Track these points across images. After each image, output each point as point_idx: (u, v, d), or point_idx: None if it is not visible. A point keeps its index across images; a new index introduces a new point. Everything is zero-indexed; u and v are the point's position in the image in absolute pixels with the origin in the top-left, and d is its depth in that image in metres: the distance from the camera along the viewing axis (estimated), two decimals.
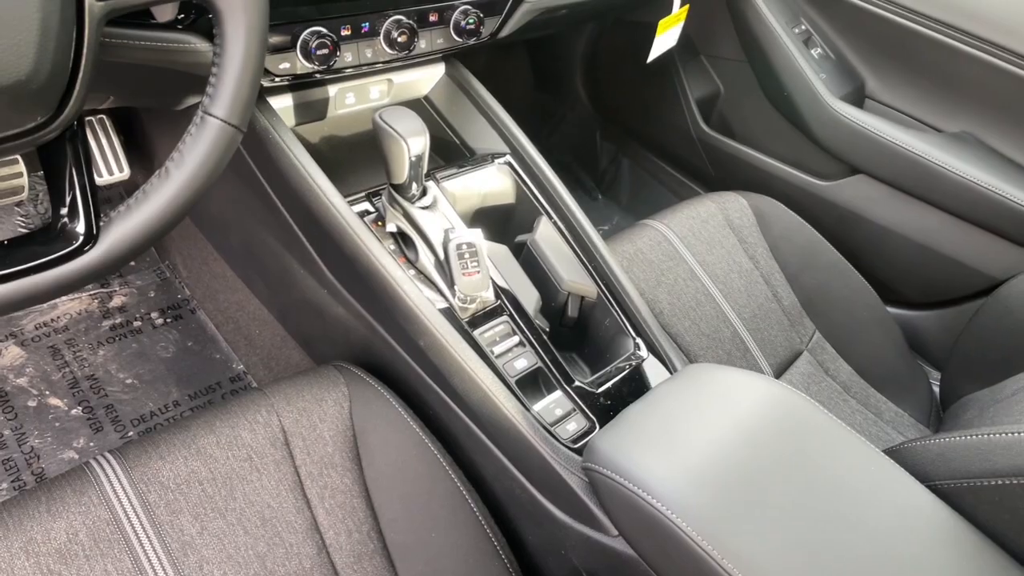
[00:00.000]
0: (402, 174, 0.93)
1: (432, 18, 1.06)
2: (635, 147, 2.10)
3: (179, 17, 0.82)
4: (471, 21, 1.09)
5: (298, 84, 1.07)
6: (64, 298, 1.47)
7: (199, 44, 0.86)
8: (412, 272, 0.98)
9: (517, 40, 1.80)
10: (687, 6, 1.70)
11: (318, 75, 1.00)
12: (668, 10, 1.66)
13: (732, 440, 0.83)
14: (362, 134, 1.20)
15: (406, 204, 0.96)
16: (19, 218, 1.50)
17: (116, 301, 1.50)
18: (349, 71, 1.04)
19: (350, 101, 1.14)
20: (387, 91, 1.19)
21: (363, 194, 1.04)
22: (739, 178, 1.88)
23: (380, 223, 1.01)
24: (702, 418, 0.87)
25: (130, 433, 1.29)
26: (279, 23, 0.91)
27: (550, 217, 1.14)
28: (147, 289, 1.54)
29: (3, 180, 1.35)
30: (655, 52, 1.71)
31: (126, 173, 1.51)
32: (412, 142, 0.90)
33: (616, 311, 1.10)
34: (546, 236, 1.10)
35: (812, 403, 0.91)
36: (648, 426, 0.86)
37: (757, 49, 1.73)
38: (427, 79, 1.24)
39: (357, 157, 1.14)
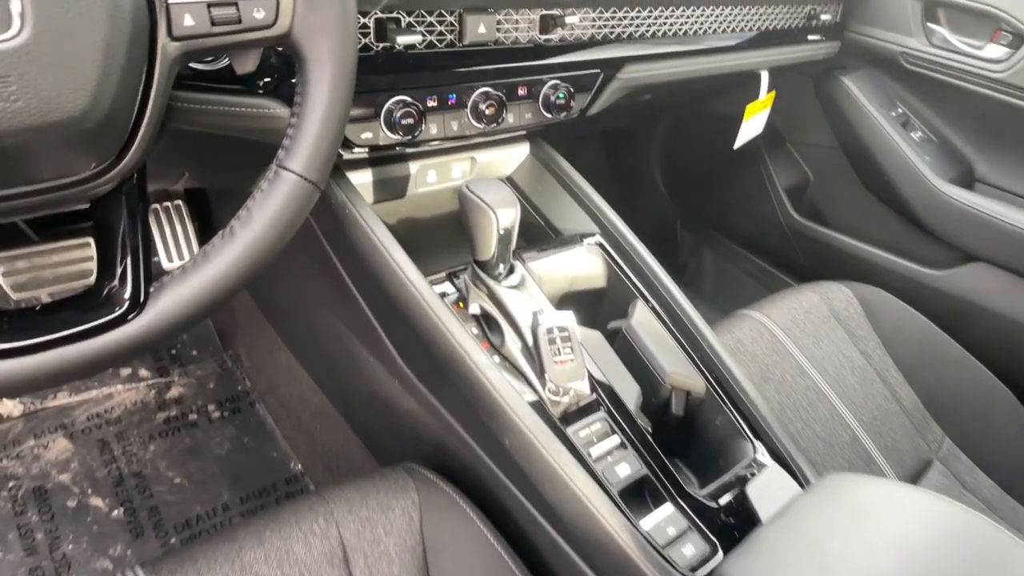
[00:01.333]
0: (489, 249, 0.84)
1: (521, 92, 1.01)
2: (718, 237, 1.99)
3: (263, 82, 0.78)
4: (561, 96, 1.03)
5: (378, 159, 1.02)
6: (120, 387, 1.41)
7: (278, 109, 0.81)
8: (497, 359, 0.87)
9: (599, 128, 1.76)
10: (773, 93, 1.63)
11: (400, 148, 0.95)
12: (753, 96, 1.59)
13: (899, 572, 0.66)
14: (443, 214, 1.13)
15: (491, 283, 0.86)
16: None
17: (173, 392, 1.43)
18: (434, 144, 0.98)
19: (431, 179, 1.08)
20: (470, 170, 1.13)
21: (443, 274, 0.95)
22: (836, 267, 1.73)
23: (461, 305, 0.91)
24: (857, 543, 0.69)
25: (172, 540, 1.18)
26: (363, 91, 0.86)
27: (647, 301, 1.02)
28: (207, 380, 1.47)
29: (72, 263, 1.33)
30: (742, 138, 1.63)
31: None
32: (502, 213, 0.82)
33: (729, 408, 0.94)
34: (644, 322, 0.98)
35: (993, 524, 0.73)
36: (790, 553, 0.69)
37: (851, 135, 1.63)
38: (511, 158, 1.17)
39: (437, 238, 1.07)
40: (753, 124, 1.63)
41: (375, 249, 0.90)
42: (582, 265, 1.07)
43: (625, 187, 2.08)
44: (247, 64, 0.63)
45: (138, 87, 0.51)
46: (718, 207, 1.97)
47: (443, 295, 0.93)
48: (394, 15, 0.86)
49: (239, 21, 0.54)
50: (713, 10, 1.22)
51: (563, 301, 1.06)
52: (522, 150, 1.18)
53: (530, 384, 0.84)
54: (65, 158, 0.49)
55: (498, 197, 0.82)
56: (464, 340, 0.82)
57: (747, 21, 1.31)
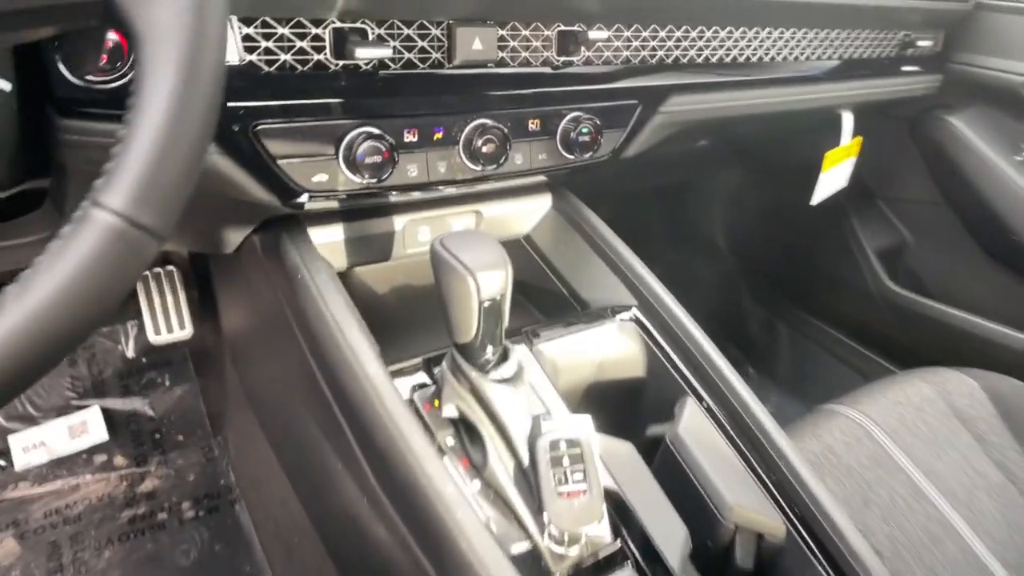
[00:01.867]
0: (469, 328, 0.60)
1: (532, 125, 0.79)
2: (794, 309, 1.68)
3: None
4: (585, 132, 0.81)
5: (353, 211, 0.82)
6: (89, 476, 1.23)
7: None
8: (476, 485, 0.62)
9: (648, 184, 1.52)
10: (859, 139, 1.37)
11: (370, 193, 0.74)
12: (834, 141, 1.33)
13: None
14: None
15: (475, 375, 0.62)
16: (68, 380, 1.33)
17: (147, 484, 1.23)
18: (421, 193, 0.78)
19: (424, 238, 0.87)
20: (475, 226, 0.91)
21: (419, 360, 0.72)
22: (947, 349, 1.40)
23: (437, 403, 0.67)
24: None
25: None
26: (317, 120, 0.66)
27: (699, 399, 0.75)
28: (187, 471, 1.27)
29: None
30: (821, 193, 1.37)
31: (188, 331, 1.31)
32: (485, 279, 0.58)
33: (818, 558, 0.66)
34: (695, 428, 0.71)
35: None
36: None
37: (960, 186, 1.33)
38: (529, 212, 0.95)
39: (429, 314, 0.84)
40: (834, 176, 1.36)
41: (326, 327, 0.68)
42: (613, 347, 0.82)
43: (682, 250, 1.82)
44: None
45: None
46: (795, 274, 1.68)
47: (421, 387, 0.70)
48: (358, 25, 0.67)
49: None
50: (782, 33, 0.99)
51: (587, 397, 0.81)
52: (542, 203, 0.95)
53: (522, 526, 0.59)
54: None
55: (481, 256, 0.60)
56: (425, 459, 0.58)
57: (825, 48, 1.08)
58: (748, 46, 0.97)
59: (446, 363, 0.65)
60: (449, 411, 0.64)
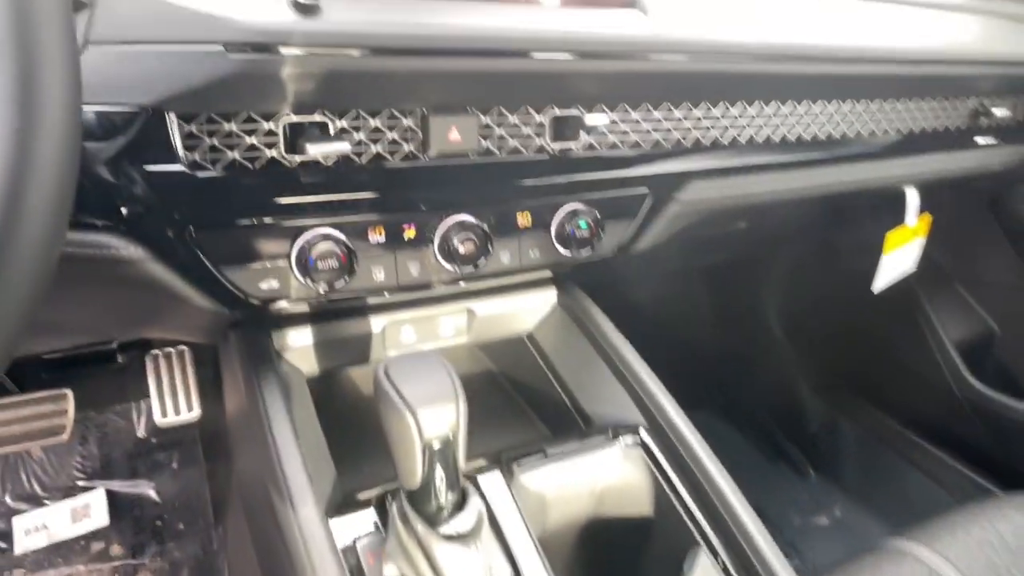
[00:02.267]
0: (412, 473, 0.50)
1: (522, 220, 0.71)
2: (861, 406, 1.49)
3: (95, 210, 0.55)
4: (583, 226, 0.72)
5: (325, 311, 0.74)
6: (82, 567, 1.17)
7: (130, 250, 0.56)
8: None
9: (688, 264, 1.40)
10: (927, 216, 1.21)
11: (330, 300, 0.67)
12: (897, 220, 1.18)
13: None
14: None
15: (421, 529, 0.52)
16: (77, 459, 1.30)
17: None
18: (383, 296, 0.69)
19: (408, 339, 0.79)
20: (466, 326, 0.82)
21: (375, 494, 0.62)
22: None
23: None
24: None
25: None
26: (265, 219, 0.60)
27: (713, 553, 0.62)
28: (182, 566, 1.20)
29: (43, 417, 1.16)
30: (884, 279, 1.21)
31: (195, 413, 1.27)
32: (428, 418, 0.49)
33: None
34: None
35: None
36: None
37: None
38: (531, 310, 0.86)
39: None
40: (899, 258, 1.20)
41: (265, 454, 0.60)
42: (616, 476, 0.69)
43: (729, 333, 1.66)
44: None
45: None
46: (860, 365, 1.50)
47: (375, 532, 0.60)
48: (316, 117, 0.60)
49: None
50: (823, 107, 0.88)
51: (582, 538, 0.69)
52: (546, 298, 0.85)
53: None
54: None
55: (426, 388, 0.50)
56: None
57: (879, 121, 0.95)
58: (783, 123, 0.86)
59: (395, 509, 0.55)
60: (390, 572, 0.53)
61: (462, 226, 0.66)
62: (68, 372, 1.20)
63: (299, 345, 0.73)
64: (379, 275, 0.65)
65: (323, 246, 0.60)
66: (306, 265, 0.60)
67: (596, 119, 0.71)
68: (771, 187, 0.86)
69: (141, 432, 1.34)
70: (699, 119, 0.79)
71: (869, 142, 0.96)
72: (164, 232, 0.56)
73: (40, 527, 1.21)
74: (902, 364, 1.39)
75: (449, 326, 0.81)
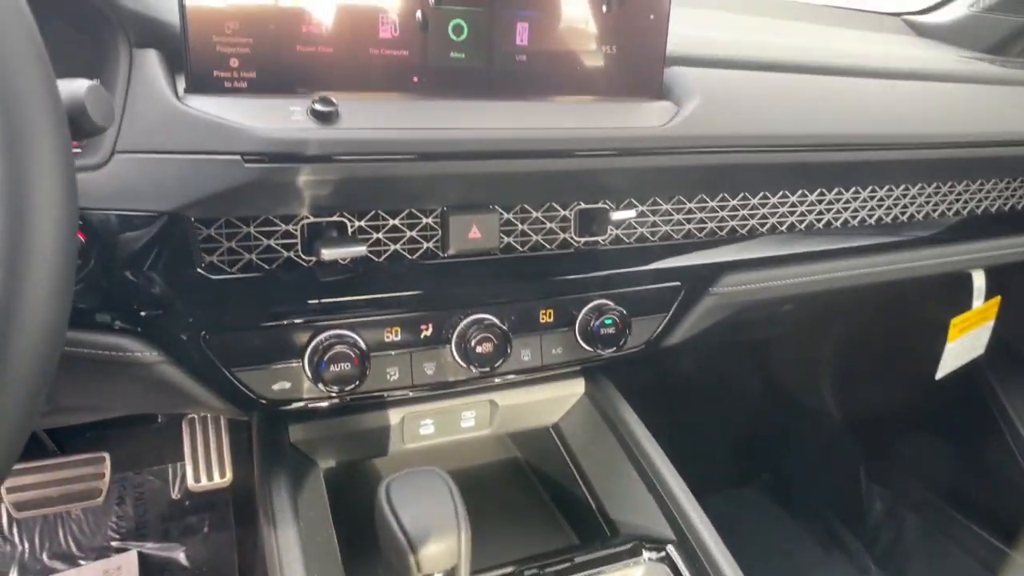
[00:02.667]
0: None
1: (544, 317, 0.68)
2: (925, 496, 1.38)
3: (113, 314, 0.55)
4: (608, 323, 0.69)
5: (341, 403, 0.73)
6: None
7: (145, 353, 0.57)
8: None
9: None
10: (998, 299, 1.13)
11: (339, 401, 0.65)
12: (963, 304, 1.10)
13: None
14: (458, 481, 0.80)
15: None
16: (114, 519, 1.31)
17: None
18: (397, 394, 0.68)
19: (427, 431, 0.76)
20: (488, 417, 0.79)
21: None
22: None
23: None
24: None
25: None
26: (279, 325, 0.59)
27: None
28: None
29: (81, 480, 1.18)
30: (947, 367, 1.12)
31: (228, 479, 1.27)
32: (426, 555, 0.46)
33: None
34: None
35: None
36: None
37: None
38: (556, 401, 0.82)
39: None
40: (965, 344, 1.12)
41: (271, 554, 0.58)
42: None
43: (779, 411, 1.57)
44: None
45: None
46: (924, 451, 1.39)
47: None
48: (336, 218, 0.60)
49: None
50: (873, 192, 0.83)
51: None
52: (573, 389, 0.82)
53: None
54: None
55: (428, 517, 0.47)
56: None
57: (937, 204, 0.89)
58: (829, 209, 0.82)
59: None
60: None
61: (480, 325, 0.64)
62: (107, 432, 1.23)
63: (316, 436, 0.72)
64: (393, 375, 0.63)
65: (335, 349, 0.59)
66: (318, 368, 0.59)
67: (625, 214, 0.68)
68: (818, 277, 0.82)
69: (175, 494, 1.35)
70: (736, 208, 0.76)
71: (928, 226, 0.91)
72: (178, 335, 0.56)
73: None
74: (971, 453, 1.29)
75: (470, 418, 0.78)
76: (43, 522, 1.27)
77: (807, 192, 0.79)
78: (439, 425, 0.76)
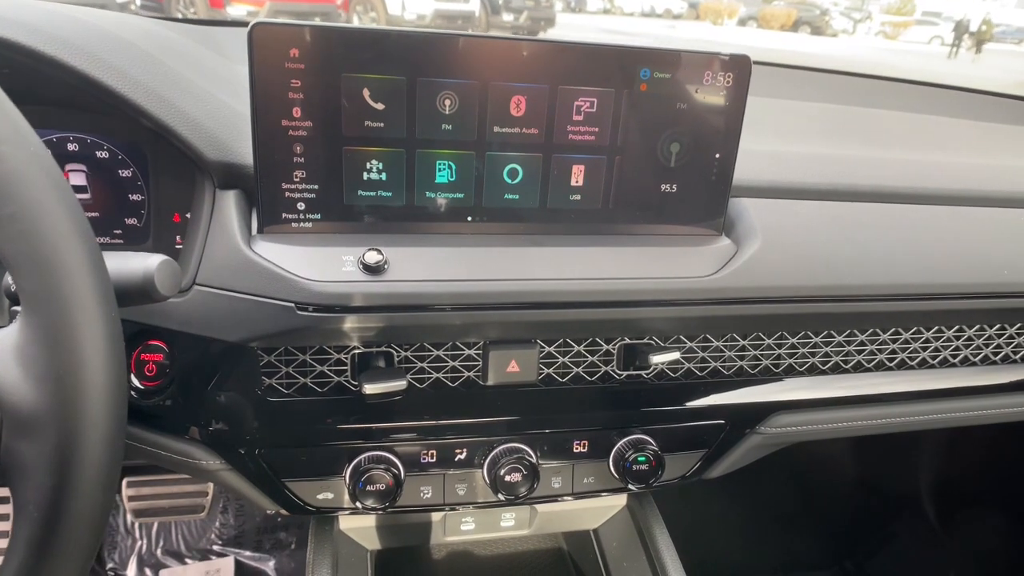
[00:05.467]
0: None
1: (577, 448, 0.70)
2: None
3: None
4: (641, 461, 0.70)
5: None
6: None
7: (210, 461, 0.65)
8: None
9: None
10: None
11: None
12: None
13: None
14: (502, 570, 0.84)
15: None
16: (217, 526, 1.48)
17: None
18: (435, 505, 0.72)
19: (468, 528, 0.81)
20: (528, 519, 0.83)
21: None
22: None
23: None
24: None
25: None
26: (326, 444, 0.66)
27: None
28: None
29: (187, 496, 1.34)
30: None
31: None
32: None
33: None
34: None
35: None
36: None
37: None
38: (598, 509, 0.84)
39: None
40: None
41: None
42: None
43: (872, 517, 1.47)
44: None
45: None
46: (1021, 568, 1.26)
47: None
48: (383, 348, 0.65)
49: None
50: (942, 331, 0.77)
51: None
52: (616, 499, 0.83)
53: None
54: None
55: None
56: None
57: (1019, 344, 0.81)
58: (898, 348, 0.77)
59: None
60: None
61: (512, 453, 0.68)
62: None
63: (363, 526, 0.78)
64: (427, 494, 0.68)
65: (372, 471, 0.64)
66: (356, 486, 0.65)
67: (666, 357, 0.68)
68: (876, 422, 0.77)
69: (269, 511, 1.49)
70: (793, 346, 0.74)
71: (1004, 370, 0.83)
72: (238, 448, 0.64)
73: None
74: None
75: (510, 519, 0.82)
76: (159, 523, 1.45)
77: (881, 331, 0.75)
78: (479, 524, 0.81)
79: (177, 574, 1.40)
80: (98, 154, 0.73)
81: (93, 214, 0.76)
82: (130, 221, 0.76)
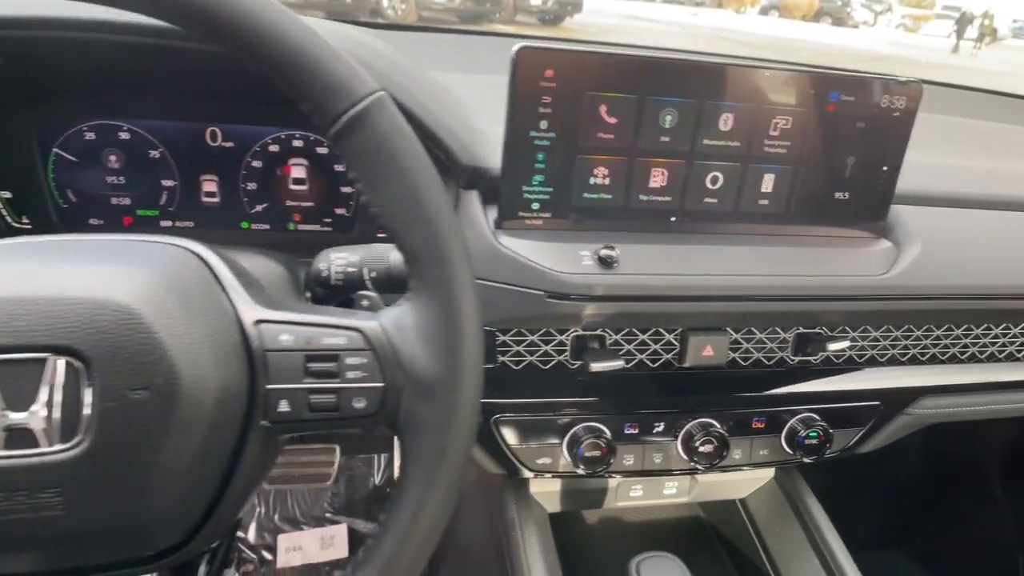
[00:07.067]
0: None
1: (756, 424, 0.80)
2: None
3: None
4: (813, 435, 0.79)
5: None
6: None
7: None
8: None
9: None
10: None
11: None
12: None
13: None
14: (648, 538, 0.94)
15: None
16: (330, 495, 1.58)
17: None
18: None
19: (636, 494, 0.91)
20: (688, 488, 0.92)
21: None
22: None
23: None
24: None
25: None
26: (549, 415, 0.75)
27: None
28: None
29: (315, 466, 1.44)
30: None
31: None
32: None
33: None
34: None
35: None
36: None
37: None
38: (748, 480, 0.94)
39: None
40: None
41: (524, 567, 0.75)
42: None
43: (947, 481, 1.57)
44: None
45: (220, 471, 0.47)
46: None
47: None
48: (597, 332, 0.75)
49: (337, 409, 0.48)
50: None
51: None
52: (763, 472, 0.93)
53: None
54: (106, 551, 0.46)
55: None
56: None
57: None
58: None
59: None
60: None
61: (704, 428, 0.77)
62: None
63: (550, 491, 0.88)
64: (628, 461, 0.78)
65: (590, 439, 0.74)
66: (574, 451, 0.74)
67: (839, 345, 0.77)
68: (1013, 405, 0.87)
69: (378, 480, 1.59)
70: (939, 337, 0.83)
71: None
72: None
73: (297, 547, 1.49)
74: None
75: (673, 487, 0.91)
76: (276, 491, 1.56)
77: (1011, 325, 0.84)
78: (647, 490, 0.90)
79: (295, 539, 1.50)
80: (318, 150, 0.82)
81: (308, 204, 0.85)
82: (339, 211, 0.86)
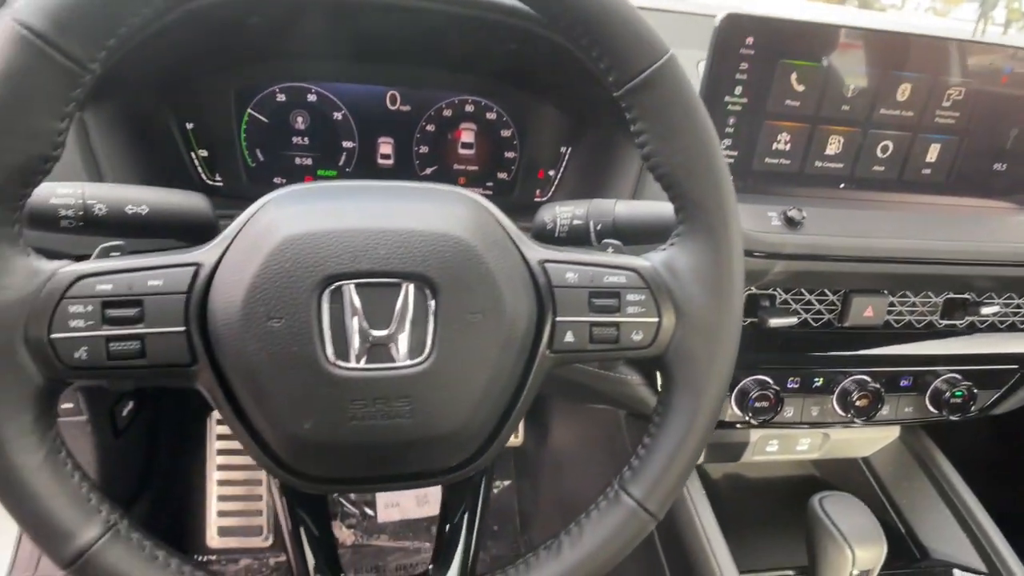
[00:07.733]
0: None
1: (904, 382, 0.85)
2: None
3: None
4: (958, 395, 0.84)
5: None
6: (428, 544, 1.50)
7: (640, 389, 0.79)
8: None
9: None
10: None
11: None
12: None
13: None
14: (781, 490, 0.99)
15: None
16: None
17: None
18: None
19: (772, 448, 0.96)
20: (819, 444, 0.97)
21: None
22: None
23: None
24: None
25: None
26: None
27: None
28: (489, 563, 1.48)
29: None
30: None
31: (519, 440, 1.55)
32: (862, 554, 0.66)
33: None
34: None
35: None
36: None
37: None
38: (873, 439, 0.99)
39: (768, 517, 0.93)
40: None
41: (695, 535, 0.80)
42: None
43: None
44: None
45: (511, 395, 0.52)
46: None
47: None
48: (768, 291, 0.80)
49: (616, 341, 0.53)
50: None
51: None
52: (889, 431, 0.98)
53: None
54: (431, 459, 0.51)
55: (859, 527, 0.67)
56: None
57: None
58: None
59: None
60: None
61: (860, 385, 0.82)
62: None
63: None
64: (789, 412, 0.83)
65: (760, 391, 0.79)
66: (745, 402, 0.80)
67: (991, 308, 0.82)
68: None
69: None
70: None
71: None
72: None
73: (395, 504, 1.56)
74: None
75: (805, 443, 0.97)
76: None
77: None
78: (782, 446, 0.96)
79: (393, 497, 1.57)
80: (487, 115, 0.87)
81: (474, 168, 0.89)
82: (501, 175, 0.90)
